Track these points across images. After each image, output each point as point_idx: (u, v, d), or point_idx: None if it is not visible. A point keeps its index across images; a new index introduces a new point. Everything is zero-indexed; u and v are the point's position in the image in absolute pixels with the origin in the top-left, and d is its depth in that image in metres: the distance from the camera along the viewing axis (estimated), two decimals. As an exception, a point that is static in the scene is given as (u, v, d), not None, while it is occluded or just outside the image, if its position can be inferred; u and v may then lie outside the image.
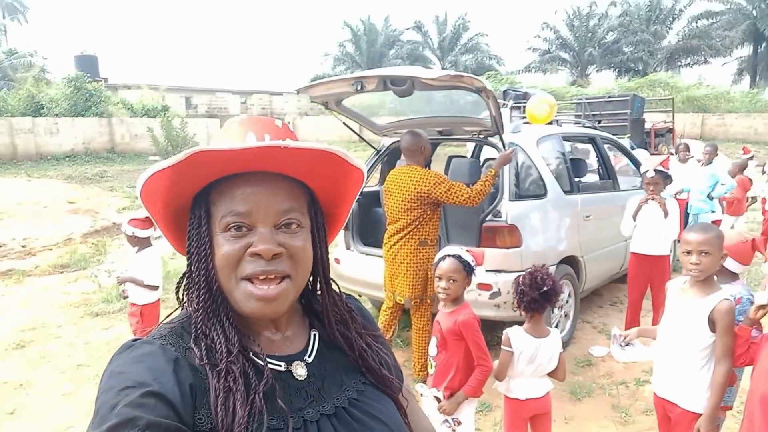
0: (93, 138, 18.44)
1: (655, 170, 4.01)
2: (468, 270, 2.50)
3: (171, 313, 0.84)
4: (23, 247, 8.23)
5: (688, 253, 2.21)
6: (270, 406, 0.71)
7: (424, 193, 3.52)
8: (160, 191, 0.76)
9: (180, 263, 6.98)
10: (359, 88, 3.57)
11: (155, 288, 3.83)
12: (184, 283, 0.82)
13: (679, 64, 34.88)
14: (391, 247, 3.69)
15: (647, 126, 11.01)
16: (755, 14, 31.72)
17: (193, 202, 0.79)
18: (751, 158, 8.84)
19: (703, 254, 2.17)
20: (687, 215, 6.69)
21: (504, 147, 3.83)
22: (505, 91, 15.30)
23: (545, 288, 2.29)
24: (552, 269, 4.13)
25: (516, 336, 2.41)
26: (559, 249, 4.30)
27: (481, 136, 4.23)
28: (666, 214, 3.99)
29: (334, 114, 4.31)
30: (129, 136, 19.22)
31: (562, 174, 4.56)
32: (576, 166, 4.90)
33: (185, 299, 0.82)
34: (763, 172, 9.58)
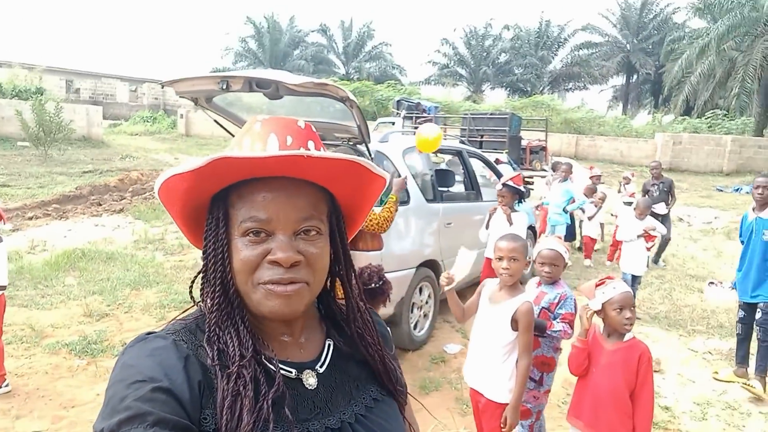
0: (-50, 118, 16.51)
1: (504, 184, 4.42)
2: None
3: (186, 310, 0.83)
4: None
5: (500, 259, 2.49)
6: (276, 415, 0.70)
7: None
8: (180, 192, 0.75)
9: (36, 258, 6.48)
10: (225, 87, 3.56)
11: (1, 288, 3.58)
12: (200, 282, 0.80)
13: (563, 88, 38.06)
14: None
15: (524, 143, 11.91)
16: (629, 48, 35.36)
17: (212, 202, 0.78)
18: (598, 177, 9.88)
19: (512, 260, 2.47)
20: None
21: (370, 154, 4.01)
22: (399, 101, 15.81)
23: (371, 285, 2.46)
24: (412, 272, 4.47)
25: None
26: (421, 253, 4.57)
27: (350, 143, 4.40)
28: (510, 223, 4.39)
29: (203, 110, 4.26)
30: (-6, 118, 17.42)
31: (426, 183, 4.86)
32: (442, 176, 5.22)
33: (200, 299, 0.80)
34: (619, 191, 10.69)
